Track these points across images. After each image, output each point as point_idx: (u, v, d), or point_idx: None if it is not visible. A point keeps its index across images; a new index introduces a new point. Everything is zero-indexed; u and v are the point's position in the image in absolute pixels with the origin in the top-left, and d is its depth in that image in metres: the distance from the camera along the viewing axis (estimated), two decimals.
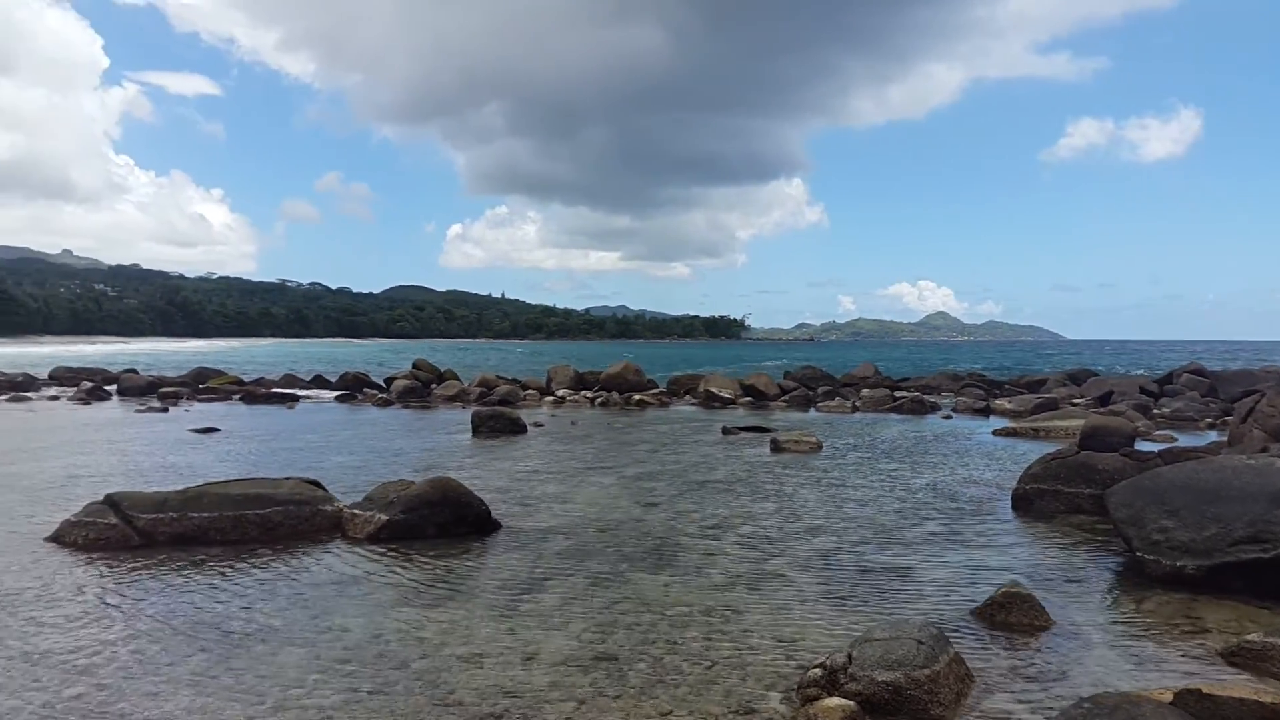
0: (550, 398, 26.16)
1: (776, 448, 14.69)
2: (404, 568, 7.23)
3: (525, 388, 27.24)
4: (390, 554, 7.64)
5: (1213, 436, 16.23)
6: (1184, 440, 15.55)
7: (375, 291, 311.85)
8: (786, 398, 25.46)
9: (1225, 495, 6.74)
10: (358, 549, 7.82)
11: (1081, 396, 24.19)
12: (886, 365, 40.28)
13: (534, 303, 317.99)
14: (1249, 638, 5.13)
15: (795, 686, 4.66)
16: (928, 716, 4.33)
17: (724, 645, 5.36)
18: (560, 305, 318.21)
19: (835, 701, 4.37)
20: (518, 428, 17.49)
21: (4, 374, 31.39)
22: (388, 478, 9.92)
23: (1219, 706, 3.93)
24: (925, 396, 24.76)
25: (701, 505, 9.91)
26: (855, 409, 23.75)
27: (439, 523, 8.26)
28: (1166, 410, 21.12)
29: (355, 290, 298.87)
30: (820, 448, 14.77)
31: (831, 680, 4.51)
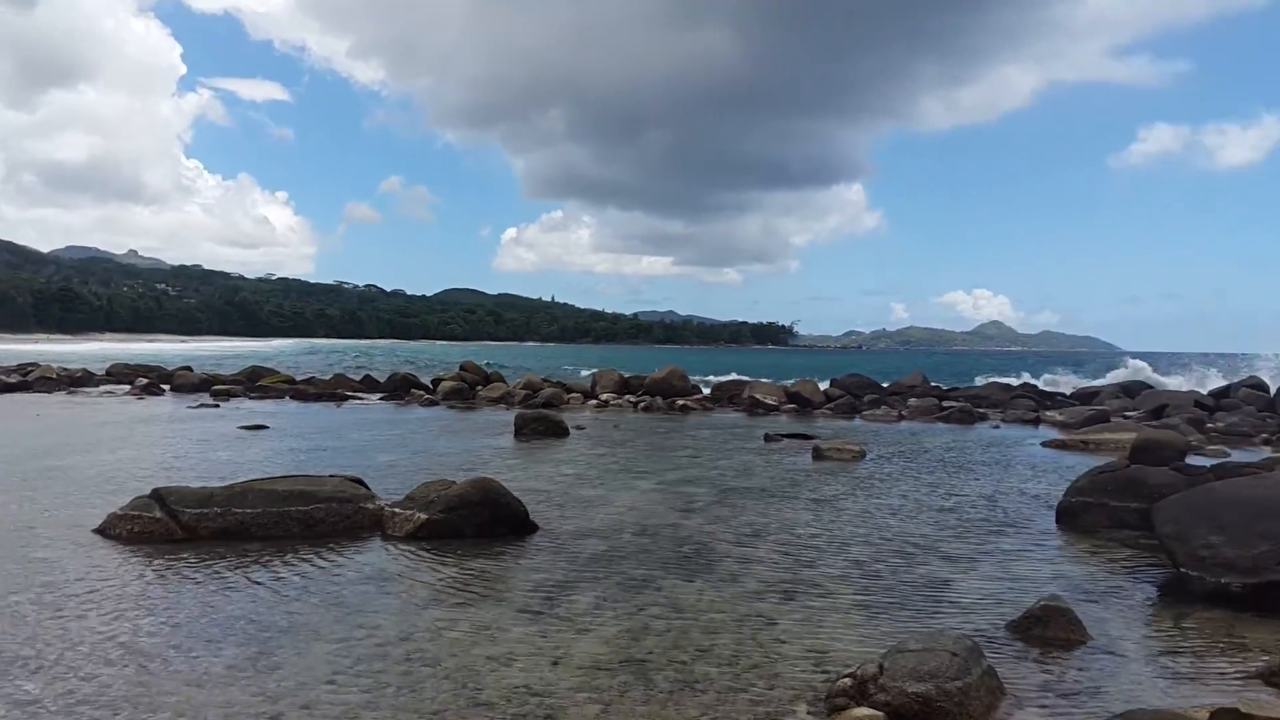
0: (594, 401, 26.24)
1: (818, 455, 14.59)
2: (440, 567, 7.32)
3: (569, 391, 27.33)
4: (427, 553, 7.73)
5: (1267, 453, 15.74)
6: (1238, 455, 15.09)
7: (429, 294, 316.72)
8: (832, 405, 25.20)
9: (1278, 512, 6.55)
10: (395, 547, 7.94)
11: (1135, 409, 23.64)
12: (939, 375, 39.70)
13: (583, 307, 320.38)
14: None
15: (823, 696, 4.62)
16: None
17: (754, 653, 5.34)
18: (609, 310, 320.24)
19: (863, 712, 4.33)
20: (560, 430, 17.59)
21: (65, 370, 32.30)
22: (430, 477, 10.03)
23: None
24: (975, 407, 24.40)
25: (739, 512, 9.87)
26: (901, 417, 23.49)
27: (478, 523, 8.34)
28: (1221, 424, 20.51)
29: (409, 292, 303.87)
30: (863, 456, 14.63)
31: (861, 690, 4.47)
